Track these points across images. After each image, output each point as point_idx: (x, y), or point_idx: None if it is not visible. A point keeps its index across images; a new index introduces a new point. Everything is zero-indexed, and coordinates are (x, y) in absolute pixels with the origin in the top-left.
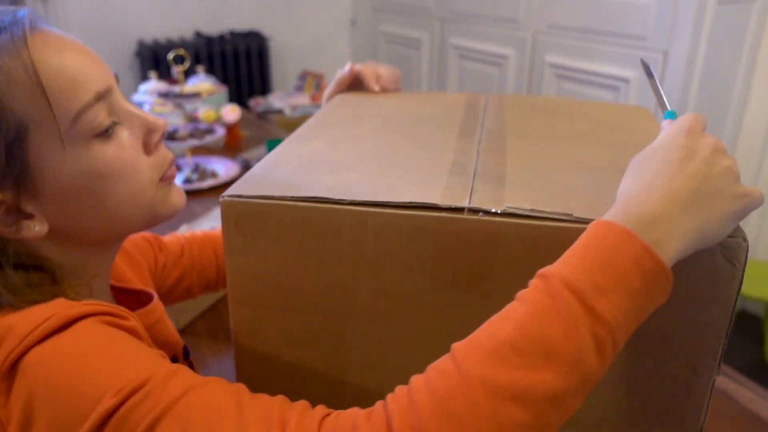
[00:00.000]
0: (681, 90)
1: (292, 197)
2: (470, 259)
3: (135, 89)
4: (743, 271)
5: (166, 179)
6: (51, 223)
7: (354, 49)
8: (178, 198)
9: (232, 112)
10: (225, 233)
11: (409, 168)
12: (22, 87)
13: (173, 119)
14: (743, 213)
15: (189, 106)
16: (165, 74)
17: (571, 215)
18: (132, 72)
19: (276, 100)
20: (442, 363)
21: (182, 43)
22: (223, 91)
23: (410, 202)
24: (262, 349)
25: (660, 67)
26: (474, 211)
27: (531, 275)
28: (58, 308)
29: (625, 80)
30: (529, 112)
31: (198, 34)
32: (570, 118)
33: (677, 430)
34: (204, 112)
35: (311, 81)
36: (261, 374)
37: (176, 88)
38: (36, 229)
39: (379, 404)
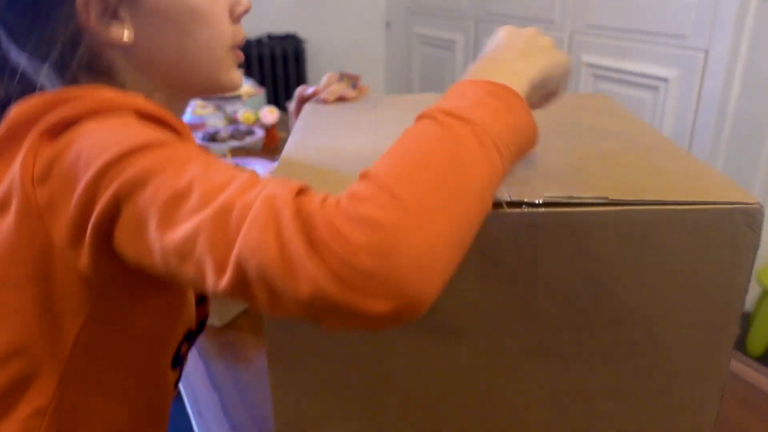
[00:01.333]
0: (722, 90)
1: None
2: (513, 251)
3: None
4: (760, 235)
5: (236, 51)
6: (135, 39)
7: (388, 51)
8: (238, 77)
9: (270, 114)
10: None
11: None
12: None
13: (214, 121)
14: (566, 61)
15: (229, 108)
16: None
17: (606, 198)
18: None
19: (312, 101)
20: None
21: None
22: (261, 93)
23: None
24: (300, 371)
25: (700, 66)
26: (515, 204)
27: (572, 262)
28: (121, 96)
29: (665, 80)
30: None
31: None
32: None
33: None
34: (243, 114)
35: (347, 82)
36: (299, 397)
37: None
38: (124, 32)
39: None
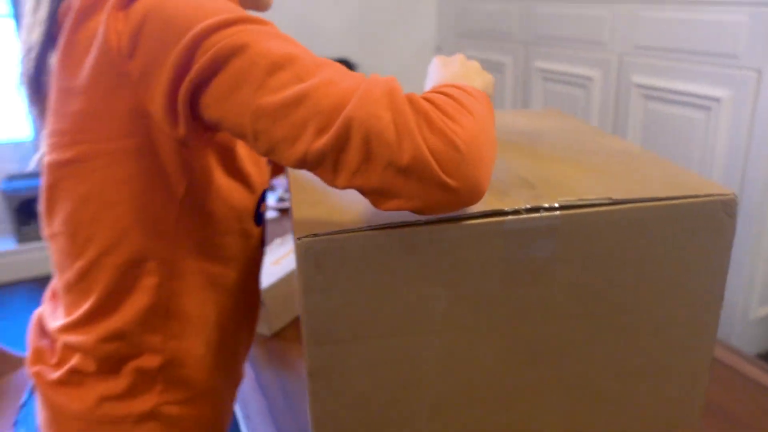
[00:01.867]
0: None
1: (370, 227)
2: (533, 254)
3: None
4: (735, 222)
5: None
6: None
7: None
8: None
9: None
10: (303, 273)
11: None
12: None
13: None
14: (493, 80)
15: None
16: None
17: (610, 198)
18: None
19: None
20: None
21: None
22: None
23: (481, 212)
24: (339, 384)
25: (753, 86)
26: (534, 209)
27: (584, 259)
28: None
29: (717, 100)
30: None
31: None
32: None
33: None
34: None
35: None
36: (339, 409)
37: None
38: None
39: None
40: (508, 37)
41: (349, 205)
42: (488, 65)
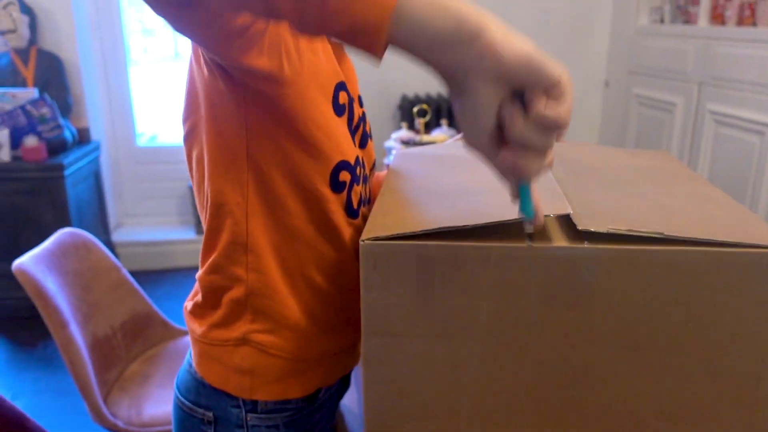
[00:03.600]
0: None
1: (423, 232)
2: (575, 278)
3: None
4: None
5: None
6: None
7: (605, 109)
8: None
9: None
10: (364, 271)
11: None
12: None
13: None
14: None
15: None
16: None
17: (662, 233)
18: (394, 122)
19: None
20: None
21: (438, 99)
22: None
23: (527, 235)
24: (389, 373)
25: None
26: (580, 236)
27: (628, 291)
28: None
29: None
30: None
31: (440, 96)
32: (609, 163)
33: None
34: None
35: None
36: (387, 396)
37: (417, 137)
38: None
39: None
40: (682, 77)
41: (420, 217)
42: (658, 105)
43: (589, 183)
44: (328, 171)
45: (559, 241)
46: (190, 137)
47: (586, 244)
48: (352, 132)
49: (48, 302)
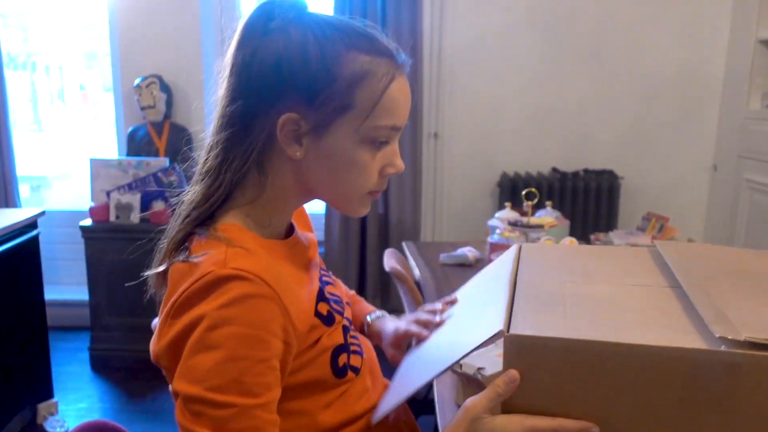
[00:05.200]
0: None
1: (570, 339)
2: (716, 382)
3: (492, 214)
4: None
5: (372, 195)
6: (303, 159)
7: (711, 194)
8: (364, 211)
9: (569, 244)
10: (507, 360)
11: (645, 310)
12: (375, 87)
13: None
14: None
15: (533, 234)
16: (518, 204)
17: None
18: (492, 199)
19: (616, 237)
20: None
21: (539, 177)
22: (565, 224)
23: (667, 338)
24: None
25: None
26: (718, 340)
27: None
28: (214, 267)
29: None
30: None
31: (554, 170)
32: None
33: None
34: (544, 241)
35: (654, 223)
36: None
37: (524, 219)
38: (297, 154)
39: None
40: None
41: (563, 321)
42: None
43: (731, 287)
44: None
45: (697, 343)
46: None
47: (723, 348)
48: (338, 313)
49: None
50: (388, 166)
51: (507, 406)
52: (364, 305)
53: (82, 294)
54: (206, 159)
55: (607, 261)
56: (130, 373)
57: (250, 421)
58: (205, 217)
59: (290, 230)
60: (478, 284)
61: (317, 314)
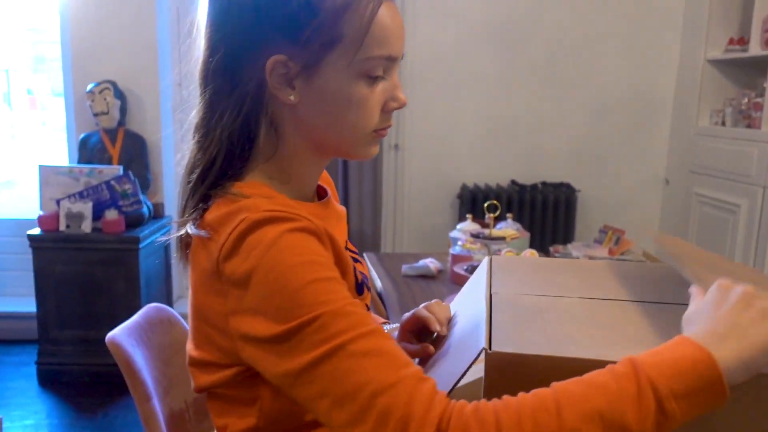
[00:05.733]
0: None
1: (552, 356)
2: None
3: (452, 225)
4: None
5: (379, 134)
6: (299, 103)
7: (664, 208)
8: (373, 151)
9: (530, 256)
10: (488, 379)
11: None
12: (362, 15)
13: (479, 256)
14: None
15: (494, 246)
16: (479, 216)
17: None
18: (452, 210)
19: (574, 249)
20: (546, 399)
21: (498, 189)
22: (526, 236)
23: None
24: None
25: None
26: None
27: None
28: (248, 213)
29: None
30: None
31: (513, 182)
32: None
33: None
34: (506, 253)
35: (611, 236)
36: None
37: (486, 231)
38: (291, 98)
39: (489, 410)
40: (745, 179)
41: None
42: (721, 205)
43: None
44: None
45: None
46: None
47: None
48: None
49: (136, 375)
50: (391, 101)
51: None
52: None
53: (29, 306)
54: (196, 120)
55: (572, 274)
56: (79, 388)
57: (346, 318)
58: (214, 179)
59: (321, 197)
60: (463, 298)
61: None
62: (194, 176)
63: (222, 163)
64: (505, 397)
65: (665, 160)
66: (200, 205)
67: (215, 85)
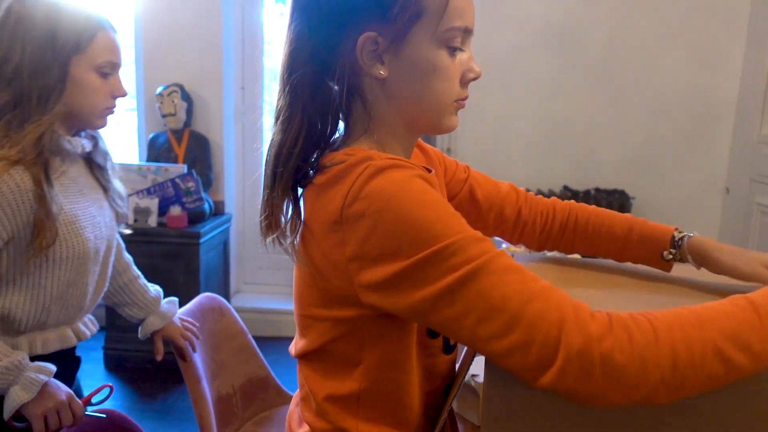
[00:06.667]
0: None
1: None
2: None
3: None
4: None
5: (459, 104)
6: (388, 76)
7: (724, 217)
8: (455, 122)
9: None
10: (485, 405)
11: None
12: None
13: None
14: None
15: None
16: None
17: None
18: None
19: None
20: (689, 316)
21: (549, 195)
22: None
23: None
24: None
25: None
26: None
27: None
28: (368, 160)
29: None
30: None
31: (566, 188)
32: None
33: None
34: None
35: None
36: None
37: None
38: (381, 72)
39: (642, 316)
40: None
41: None
42: None
43: None
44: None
45: None
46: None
47: None
48: None
49: (189, 358)
50: (468, 72)
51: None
52: None
53: None
54: (280, 105)
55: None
56: (141, 373)
57: (480, 243)
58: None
59: None
60: None
61: None
62: (289, 155)
63: (320, 142)
64: (645, 311)
65: (726, 168)
66: (304, 176)
67: (304, 71)
